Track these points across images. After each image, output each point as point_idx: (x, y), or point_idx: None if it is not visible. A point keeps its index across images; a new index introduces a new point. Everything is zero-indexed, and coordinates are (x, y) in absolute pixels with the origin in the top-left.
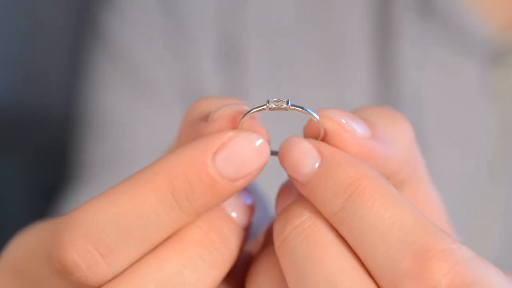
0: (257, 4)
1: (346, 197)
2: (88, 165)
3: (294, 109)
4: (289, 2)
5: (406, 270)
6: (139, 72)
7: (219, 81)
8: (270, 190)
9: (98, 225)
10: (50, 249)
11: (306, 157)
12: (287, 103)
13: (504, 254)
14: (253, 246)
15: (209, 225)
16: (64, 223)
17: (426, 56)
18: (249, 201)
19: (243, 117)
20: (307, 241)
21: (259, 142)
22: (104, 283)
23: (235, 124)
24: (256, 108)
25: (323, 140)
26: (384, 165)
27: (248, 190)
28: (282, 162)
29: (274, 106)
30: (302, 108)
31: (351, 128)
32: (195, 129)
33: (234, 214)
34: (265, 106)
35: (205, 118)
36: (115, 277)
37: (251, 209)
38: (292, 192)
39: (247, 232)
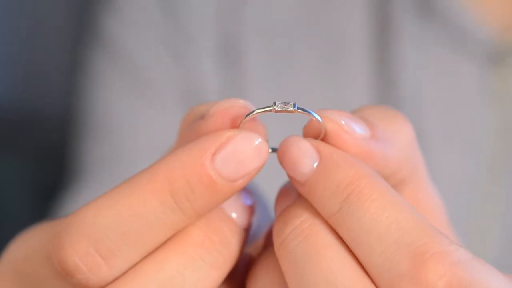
0: (257, 4)
1: (344, 197)
2: (88, 165)
3: (299, 112)
4: (289, 2)
5: (403, 271)
6: (139, 72)
7: (219, 81)
8: (270, 191)
9: (99, 228)
10: (51, 251)
11: (305, 156)
12: (294, 106)
13: (504, 254)
14: (253, 249)
15: (209, 226)
16: (64, 226)
17: (425, 57)
18: (249, 202)
19: (246, 117)
20: (306, 242)
21: (257, 141)
22: (105, 285)
23: (235, 123)
24: (261, 109)
25: (322, 140)
26: (383, 164)
27: (248, 190)
28: (281, 161)
29: (280, 108)
30: (308, 111)
31: (350, 129)
32: (192, 128)
33: (234, 215)
34: (271, 108)
35: (202, 117)
36: (116, 279)
37: (251, 210)
38: (292, 194)
39: (247, 232)
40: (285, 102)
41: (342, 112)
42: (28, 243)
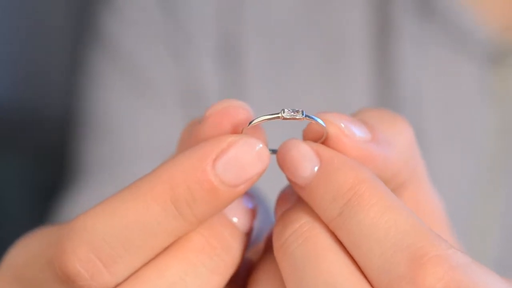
0: (257, 4)
1: (344, 202)
2: (88, 165)
3: (307, 119)
4: (289, 2)
5: (401, 274)
6: (139, 72)
7: (219, 81)
8: (270, 194)
9: (100, 234)
10: (52, 258)
11: (306, 160)
12: (302, 113)
13: (504, 254)
14: (254, 253)
15: (211, 231)
16: (66, 232)
17: (425, 57)
18: (250, 206)
19: (250, 123)
20: (305, 245)
21: (259, 147)
22: None
23: (235, 126)
24: (268, 115)
25: (323, 143)
26: (383, 167)
27: (249, 194)
28: (281, 164)
29: (288, 116)
30: (315, 118)
31: (350, 132)
32: (191, 133)
33: (235, 219)
34: (279, 115)
35: (200, 121)
36: (118, 285)
37: (253, 214)
38: (291, 198)
39: (248, 237)
40: (293, 110)
41: (342, 115)
42: (29, 248)
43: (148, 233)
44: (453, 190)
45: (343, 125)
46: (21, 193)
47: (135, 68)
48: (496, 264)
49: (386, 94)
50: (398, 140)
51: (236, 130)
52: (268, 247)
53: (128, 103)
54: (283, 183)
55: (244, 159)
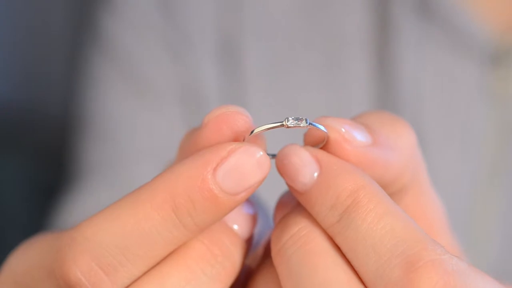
0: (256, 5)
1: (343, 209)
2: (88, 165)
3: (311, 128)
4: (288, 4)
5: (396, 280)
6: (138, 73)
7: (218, 82)
8: (270, 199)
9: (101, 243)
10: (53, 266)
11: (305, 166)
12: (306, 121)
13: (504, 255)
14: (252, 259)
15: (211, 239)
16: (66, 240)
17: (425, 57)
18: (250, 213)
19: (253, 132)
20: (303, 249)
21: (259, 155)
22: None
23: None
24: (271, 124)
25: (323, 148)
26: (384, 172)
27: (249, 201)
28: (280, 170)
29: (292, 125)
30: (318, 126)
31: (351, 137)
32: (190, 140)
33: (235, 227)
34: (283, 124)
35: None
36: None
37: (253, 221)
38: (290, 203)
39: (249, 243)
40: (297, 118)
41: (343, 120)
42: (29, 255)
43: (149, 242)
44: (453, 191)
45: (343, 130)
46: (21, 193)
47: (134, 69)
48: (496, 265)
49: (386, 95)
50: (399, 144)
51: (237, 138)
52: (267, 253)
53: (127, 104)
54: (283, 188)
55: (244, 167)
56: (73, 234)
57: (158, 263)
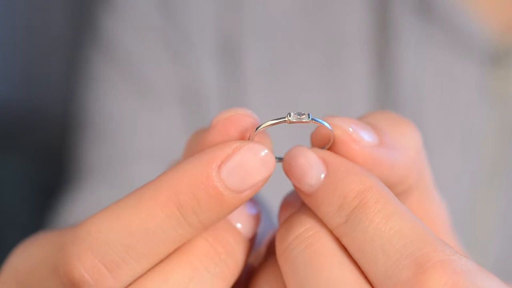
0: (256, 6)
1: (350, 210)
2: (88, 165)
3: (314, 123)
4: (288, 4)
5: (405, 280)
6: (138, 74)
7: (218, 83)
8: (274, 199)
9: (105, 240)
10: (56, 263)
11: (312, 168)
12: (309, 117)
13: (504, 257)
14: (255, 258)
15: (215, 237)
16: (70, 237)
17: (425, 57)
18: (254, 211)
19: (257, 129)
20: (308, 250)
21: (264, 152)
22: None
23: (242, 133)
24: (275, 120)
25: (330, 148)
26: (390, 172)
27: (253, 200)
28: (287, 172)
29: (295, 120)
30: (321, 122)
31: (358, 136)
32: (197, 141)
33: (239, 225)
34: (285, 119)
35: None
36: None
37: (256, 220)
38: (295, 203)
39: (252, 242)
40: (299, 113)
41: (350, 119)
42: (32, 253)
43: (153, 239)
44: (453, 191)
45: (351, 130)
46: (21, 193)
47: (134, 69)
48: (496, 265)
49: (386, 95)
50: (405, 144)
51: (243, 137)
52: (270, 252)
53: (127, 104)
54: (287, 188)
55: (249, 165)
56: (77, 231)
57: (161, 260)
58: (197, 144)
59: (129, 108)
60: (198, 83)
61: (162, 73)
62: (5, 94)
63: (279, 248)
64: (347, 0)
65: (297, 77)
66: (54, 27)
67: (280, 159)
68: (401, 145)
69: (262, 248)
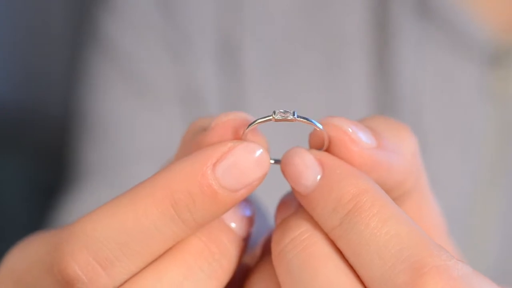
0: (256, 6)
1: (345, 212)
2: (88, 165)
3: (300, 121)
4: (288, 4)
5: (400, 285)
6: (138, 74)
7: (218, 83)
8: (271, 200)
9: (99, 238)
10: (51, 262)
11: (308, 169)
12: (293, 114)
13: (504, 257)
14: (250, 258)
15: (209, 236)
16: (65, 235)
17: (425, 57)
18: (248, 212)
19: (247, 128)
20: (304, 253)
21: (259, 152)
22: None
23: (237, 134)
24: (261, 118)
25: (327, 149)
26: (388, 175)
27: (247, 200)
28: (284, 172)
29: (280, 117)
30: (307, 119)
31: (356, 137)
32: (194, 140)
33: (233, 225)
34: (271, 117)
35: (204, 129)
36: None
37: (251, 220)
38: (292, 205)
39: (246, 242)
40: (284, 111)
41: (348, 120)
42: (28, 253)
43: (147, 238)
44: (453, 190)
45: (350, 130)
46: (21, 193)
47: (134, 69)
48: (496, 265)
49: (386, 95)
50: (403, 149)
51: (237, 136)
52: (265, 252)
53: (127, 104)
54: (284, 189)
55: (244, 164)
56: (71, 229)
57: (156, 259)
58: (194, 144)
59: (129, 108)
60: (198, 83)
61: (162, 73)
62: (5, 94)
63: (275, 250)
64: (347, 0)
65: (297, 77)
66: (54, 27)
67: (278, 161)
68: (399, 149)
69: (257, 248)
